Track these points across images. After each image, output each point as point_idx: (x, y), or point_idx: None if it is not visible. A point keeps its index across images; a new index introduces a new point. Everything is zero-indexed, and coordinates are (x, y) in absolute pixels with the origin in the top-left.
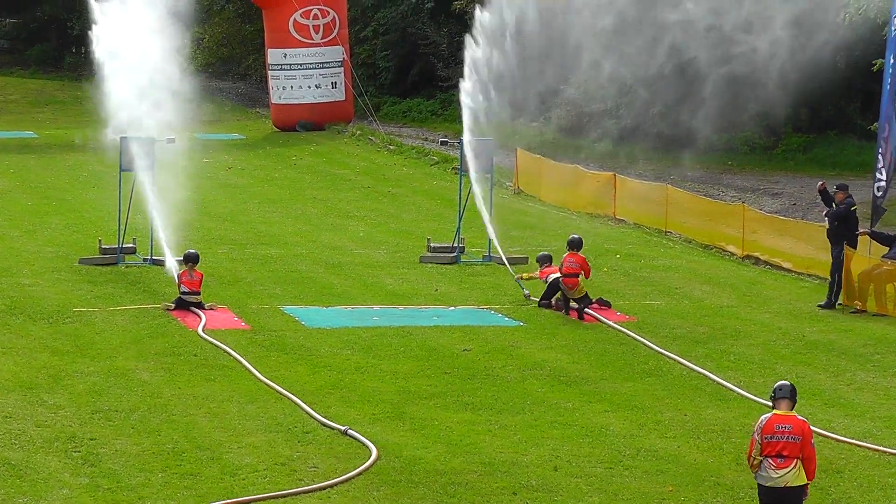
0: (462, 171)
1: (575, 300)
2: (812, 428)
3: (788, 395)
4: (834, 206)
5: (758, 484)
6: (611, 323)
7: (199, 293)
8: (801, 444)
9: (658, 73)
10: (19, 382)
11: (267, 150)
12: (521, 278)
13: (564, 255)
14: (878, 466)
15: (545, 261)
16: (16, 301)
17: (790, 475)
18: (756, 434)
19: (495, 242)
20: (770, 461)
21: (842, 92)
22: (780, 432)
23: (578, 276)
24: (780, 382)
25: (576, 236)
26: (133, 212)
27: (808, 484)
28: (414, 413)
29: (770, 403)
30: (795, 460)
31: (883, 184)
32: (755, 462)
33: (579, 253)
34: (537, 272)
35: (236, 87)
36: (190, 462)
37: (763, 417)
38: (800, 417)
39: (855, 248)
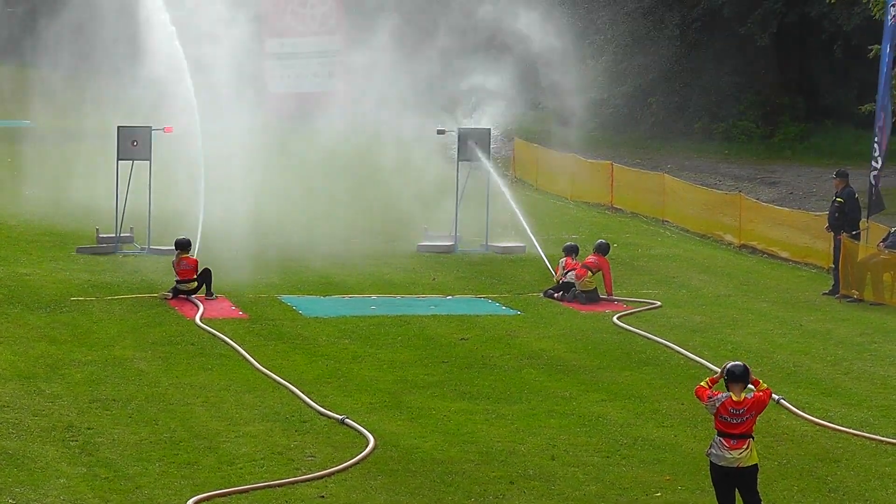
0: (459, 159)
1: (582, 291)
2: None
3: (740, 378)
4: (835, 196)
5: (710, 462)
6: (615, 320)
7: (191, 280)
8: (753, 417)
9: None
10: (17, 372)
11: None
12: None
13: (588, 256)
14: (875, 455)
15: (572, 251)
16: (13, 290)
17: (743, 456)
18: (709, 402)
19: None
20: (723, 441)
21: (839, 81)
22: (734, 415)
23: (592, 272)
24: (731, 365)
25: (602, 241)
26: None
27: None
28: (411, 402)
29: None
30: (748, 441)
31: (877, 172)
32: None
33: (604, 256)
34: (562, 262)
35: None
36: (187, 451)
37: (721, 396)
38: (751, 397)
39: (858, 238)
